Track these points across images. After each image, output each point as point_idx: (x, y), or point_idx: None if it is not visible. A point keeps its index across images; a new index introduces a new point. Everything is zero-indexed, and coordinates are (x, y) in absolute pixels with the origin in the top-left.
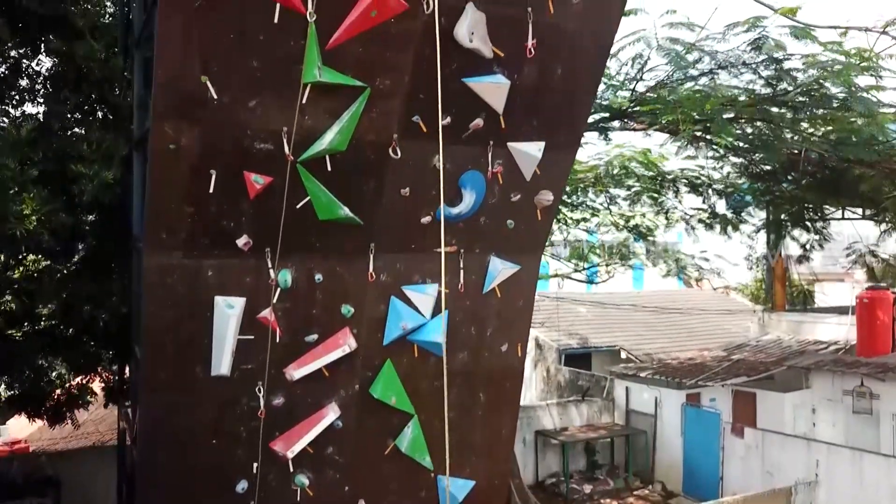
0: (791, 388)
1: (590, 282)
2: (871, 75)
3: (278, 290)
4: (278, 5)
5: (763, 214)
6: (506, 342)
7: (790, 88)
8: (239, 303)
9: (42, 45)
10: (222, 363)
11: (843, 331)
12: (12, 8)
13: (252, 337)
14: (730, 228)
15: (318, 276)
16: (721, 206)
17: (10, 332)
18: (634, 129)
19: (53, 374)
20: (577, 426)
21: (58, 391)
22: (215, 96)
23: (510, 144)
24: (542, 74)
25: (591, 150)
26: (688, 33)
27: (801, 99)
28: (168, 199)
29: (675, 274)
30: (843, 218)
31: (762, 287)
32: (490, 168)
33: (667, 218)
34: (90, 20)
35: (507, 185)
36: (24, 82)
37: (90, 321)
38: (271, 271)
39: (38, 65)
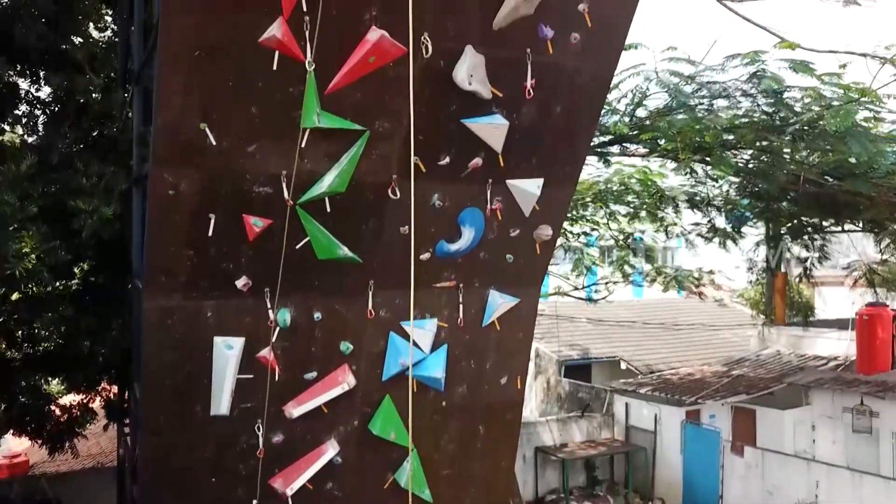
0: (791, 404)
1: (589, 299)
2: (870, 112)
3: (277, 329)
4: (277, 53)
5: (763, 227)
6: (505, 375)
7: (789, 119)
8: (238, 343)
9: (42, 78)
10: (222, 402)
11: (843, 346)
12: (11, 43)
13: (251, 376)
14: (729, 242)
15: (318, 315)
16: (720, 221)
17: (9, 353)
18: (634, 155)
19: (53, 390)
20: (577, 442)
21: (57, 412)
22: (214, 142)
23: (509, 182)
24: (541, 113)
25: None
26: (687, 67)
27: (799, 129)
28: (167, 244)
29: (675, 287)
30: (843, 230)
31: (762, 293)
32: (489, 205)
33: (666, 233)
34: (89, 51)
35: (506, 220)
36: (23, 107)
37: (90, 355)
38: (270, 312)
39: (37, 90)
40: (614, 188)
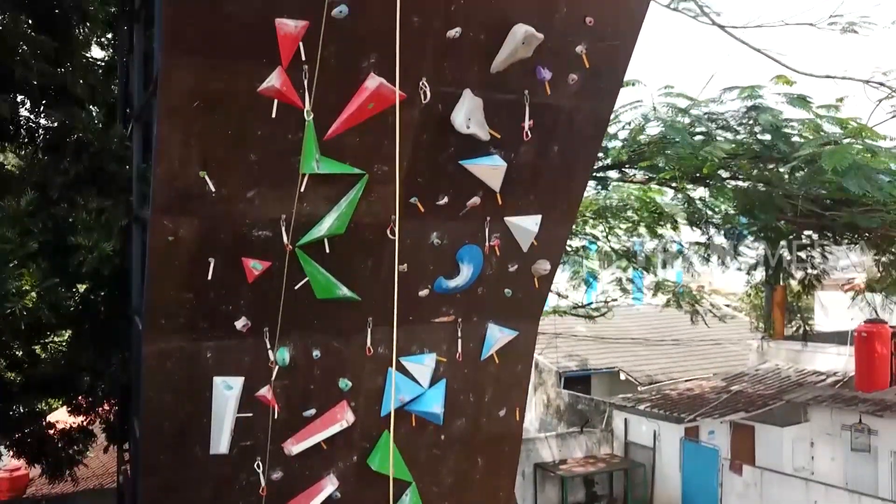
0: (790, 420)
1: (589, 317)
2: (867, 150)
3: (277, 367)
4: (276, 101)
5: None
6: (504, 407)
7: (788, 152)
8: (237, 383)
9: (41, 114)
10: (221, 442)
11: (842, 361)
12: (11, 81)
13: (251, 414)
14: (728, 259)
15: (316, 353)
16: (719, 238)
17: (9, 374)
18: (633, 181)
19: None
20: (577, 458)
21: (56, 434)
22: (214, 189)
23: (507, 219)
24: (539, 152)
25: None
26: (684, 102)
27: (797, 166)
28: (167, 289)
29: (674, 303)
30: (840, 245)
31: (761, 296)
32: (487, 242)
33: (665, 252)
34: (88, 83)
35: (505, 256)
36: (23, 132)
37: (90, 389)
38: (270, 352)
39: (37, 116)
40: (614, 203)
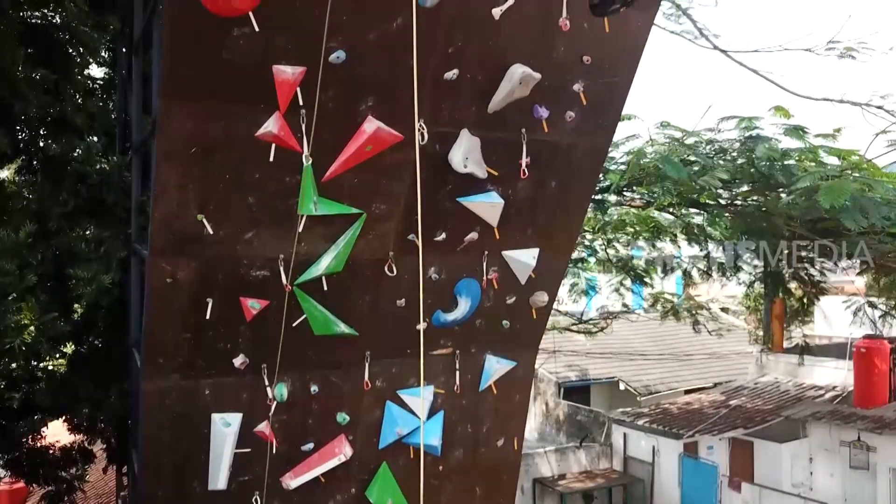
0: (789, 436)
1: (588, 332)
2: (864, 187)
3: (275, 403)
4: (274, 145)
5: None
6: (502, 437)
7: (786, 182)
8: (236, 419)
9: (40, 149)
10: (219, 478)
11: (841, 375)
12: (10, 115)
13: (249, 450)
14: (728, 273)
15: (314, 388)
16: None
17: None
18: (631, 206)
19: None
20: (575, 473)
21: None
22: (211, 231)
23: (505, 253)
24: (536, 188)
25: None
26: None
27: (795, 200)
28: (166, 329)
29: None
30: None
31: (760, 303)
32: (485, 276)
33: (664, 267)
34: (87, 109)
35: (503, 289)
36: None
37: (89, 421)
38: (268, 389)
39: (36, 147)
40: (613, 219)
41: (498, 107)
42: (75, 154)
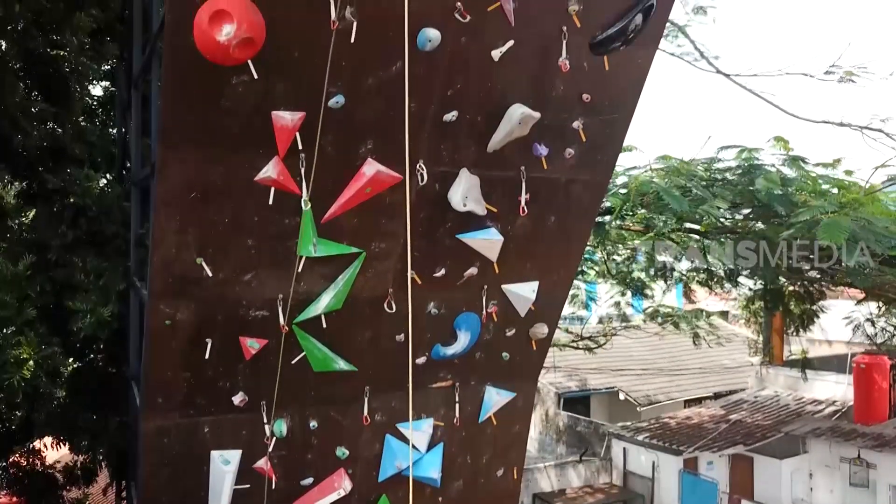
0: (789, 452)
1: (588, 349)
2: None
3: (274, 439)
4: (273, 189)
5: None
6: (502, 467)
7: (784, 212)
8: (235, 456)
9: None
10: None
11: (840, 389)
12: (9, 148)
13: (248, 486)
14: (727, 285)
15: (313, 423)
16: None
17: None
18: (629, 230)
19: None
20: (575, 488)
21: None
22: (210, 274)
23: (504, 287)
24: (536, 223)
25: None
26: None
27: (795, 233)
28: (165, 369)
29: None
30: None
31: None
32: (485, 310)
33: (665, 279)
34: (86, 138)
35: (502, 321)
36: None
37: (88, 450)
38: (267, 427)
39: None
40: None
41: (497, 146)
42: (75, 187)
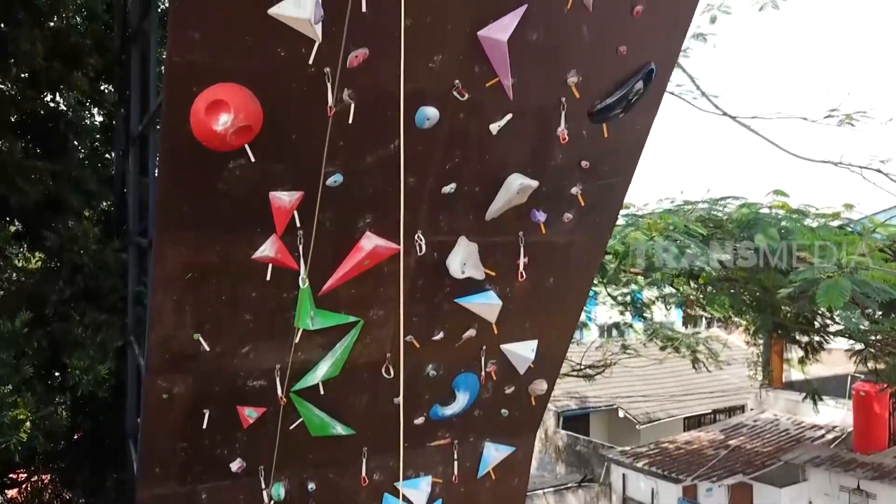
0: (788, 479)
1: (588, 377)
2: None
3: (272, 503)
4: (271, 265)
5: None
6: None
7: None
8: None
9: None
10: None
11: (840, 414)
12: (6, 207)
13: None
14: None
15: (311, 486)
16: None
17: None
18: (630, 272)
19: None
20: None
21: None
22: (208, 348)
23: (503, 346)
24: (535, 285)
25: None
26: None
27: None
28: (162, 440)
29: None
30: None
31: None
32: (484, 370)
33: (665, 304)
34: (85, 187)
35: (501, 380)
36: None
37: None
38: (265, 493)
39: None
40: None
41: (495, 214)
42: (74, 245)
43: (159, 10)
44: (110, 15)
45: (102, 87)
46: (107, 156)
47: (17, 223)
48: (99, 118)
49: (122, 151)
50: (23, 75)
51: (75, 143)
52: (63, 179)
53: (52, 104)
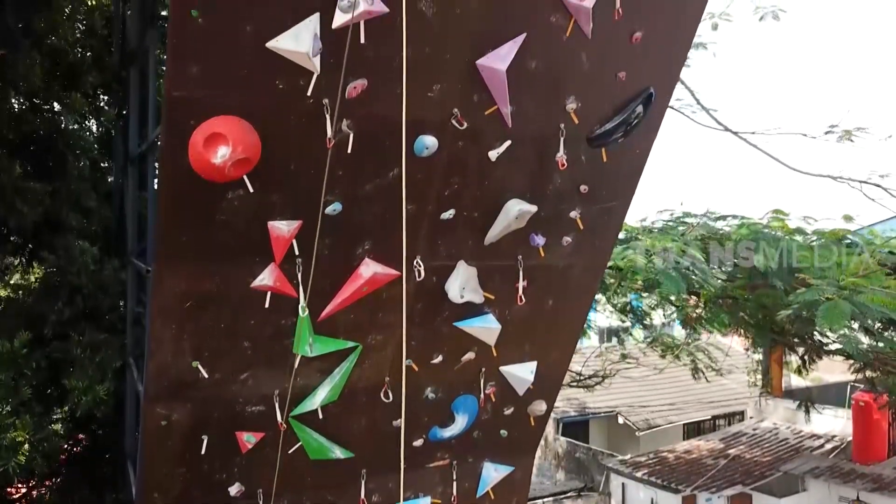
0: (788, 490)
1: (588, 387)
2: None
3: None
4: (269, 293)
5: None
6: None
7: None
8: None
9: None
10: None
11: (840, 423)
12: (5, 228)
13: None
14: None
15: None
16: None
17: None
18: (632, 289)
19: None
20: None
21: None
22: (206, 376)
23: (502, 368)
24: (534, 308)
25: None
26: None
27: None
28: (161, 466)
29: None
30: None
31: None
32: (483, 392)
33: (664, 313)
34: (84, 204)
35: (500, 401)
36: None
37: None
38: None
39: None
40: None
41: (494, 239)
42: (73, 267)
43: (158, 26)
44: (109, 31)
45: (101, 102)
46: (103, 164)
47: (15, 240)
48: (97, 131)
49: (121, 167)
50: (21, 98)
51: (75, 163)
52: (62, 197)
53: (50, 124)
